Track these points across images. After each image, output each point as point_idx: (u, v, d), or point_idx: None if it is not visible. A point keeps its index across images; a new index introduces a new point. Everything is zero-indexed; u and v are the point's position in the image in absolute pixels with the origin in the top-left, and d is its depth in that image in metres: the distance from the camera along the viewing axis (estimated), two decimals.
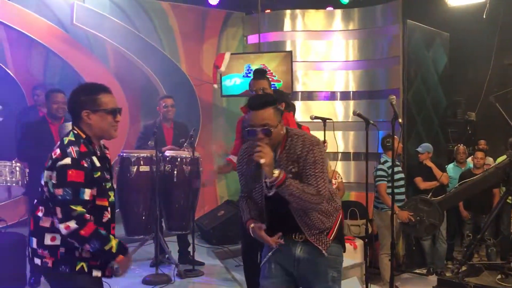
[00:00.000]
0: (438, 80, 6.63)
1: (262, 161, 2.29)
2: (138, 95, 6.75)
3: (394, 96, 3.10)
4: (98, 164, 2.25)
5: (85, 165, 2.18)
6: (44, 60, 6.70)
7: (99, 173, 2.24)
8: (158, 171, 4.50)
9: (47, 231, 2.20)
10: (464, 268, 4.66)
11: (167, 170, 4.61)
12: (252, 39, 7.24)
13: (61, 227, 2.11)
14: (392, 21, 6.48)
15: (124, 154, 4.59)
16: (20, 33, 5.86)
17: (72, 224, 2.10)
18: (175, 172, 4.59)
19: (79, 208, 2.12)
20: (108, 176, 2.34)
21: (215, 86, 6.45)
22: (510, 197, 4.71)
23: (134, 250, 4.74)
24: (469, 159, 6.30)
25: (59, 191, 2.12)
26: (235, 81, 6.51)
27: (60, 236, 2.17)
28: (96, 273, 2.25)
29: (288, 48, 6.90)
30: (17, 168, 3.79)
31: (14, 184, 3.81)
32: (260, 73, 3.58)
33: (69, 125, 4.02)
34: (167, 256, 4.76)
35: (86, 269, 2.22)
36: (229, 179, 7.32)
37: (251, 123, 2.37)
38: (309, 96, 6.96)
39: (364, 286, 4.12)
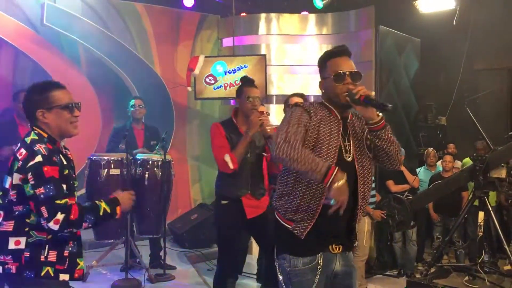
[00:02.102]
0: (409, 85, 6.75)
1: (373, 93, 2.14)
2: (111, 97, 6.66)
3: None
4: (65, 162, 2.21)
5: (57, 160, 2.13)
6: (13, 60, 6.55)
7: (67, 171, 2.19)
8: (129, 174, 4.45)
9: (10, 235, 2.12)
10: (433, 269, 4.75)
11: (138, 173, 4.57)
12: (227, 42, 7.24)
13: (51, 225, 2.05)
14: (365, 27, 6.57)
15: (94, 157, 4.53)
16: None
17: (60, 216, 2.05)
18: (147, 175, 4.55)
19: (63, 201, 2.07)
20: (74, 175, 2.29)
21: (189, 89, 6.42)
22: (477, 200, 4.81)
23: (104, 254, 4.68)
24: (439, 163, 6.42)
25: (40, 190, 2.05)
26: (218, 69, 6.49)
27: (26, 239, 2.11)
28: (64, 277, 2.18)
29: (263, 51, 6.93)
30: None
31: None
32: (253, 81, 3.55)
33: None
34: (137, 260, 4.71)
35: (52, 274, 2.15)
36: (203, 182, 7.29)
37: (339, 68, 2.16)
38: (283, 99, 6.97)
39: None
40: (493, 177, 4.62)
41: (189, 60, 6.66)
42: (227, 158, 3.26)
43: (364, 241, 5.01)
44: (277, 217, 2.23)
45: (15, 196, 2.13)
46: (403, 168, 5.81)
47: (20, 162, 2.11)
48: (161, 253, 4.77)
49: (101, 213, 2.18)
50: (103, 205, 2.21)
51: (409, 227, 5.46)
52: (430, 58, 7.13)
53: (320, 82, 2.27)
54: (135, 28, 6.67)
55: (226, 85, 6.52)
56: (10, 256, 2.11)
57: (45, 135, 2.21)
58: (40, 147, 2.12)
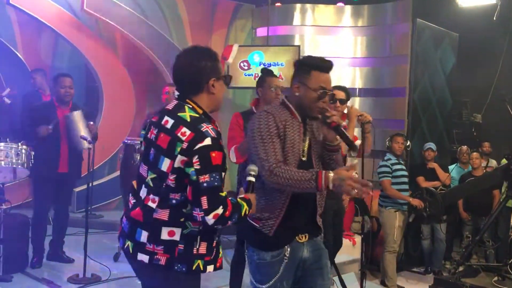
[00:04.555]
0: (445, 80, 6.62)
1: (344, 123, 2.31)
2: (145, 83, 6.78)
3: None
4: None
5: (222, 145, 1.92)
6: (53, 44, 6.75)
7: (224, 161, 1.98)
8: None
9: (164, 225, 1.91)
10: (461, 268, 4.69)
11: None
12: (261, 32, 7.24)
13: (209, 218, 1.83)
14: (402, 19, 6.47)
15: (129, 141, 4.63)
16: (30, 17, 5.89)
17: (220, 210, 1.84)
18: None
19: (224, 193, 1.88)
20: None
21: None
22: (510, 201, 4.72)
23: None
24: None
25: (205, 178, 1.83)
26: (255, 58, 6.56)
27: (181, 230, 1.91)
28: (210, 269, 1.99)
29: (297, 42, 6.91)
30: (23, 151, 3.83)
31: (19, 166, 3.84)
32: (273, 72, 3.66)
33: (76, 115, 4.08)
34: None
35: (202, 267, 1.96)
36: (232, 169, 7.35)
37: (322, 85, 2.24)
38: None
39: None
40: None
41: (222, 49, 6.70)
42: (232, 151, 3.31)
43: (395, 236, 5.00)
44: None
45: (173, 182, 1.90)
46: (435, 165, 5.74)
47: (186, 143, 1.87)
48: None
49: (242, 213, 1.96)
50: (245, 206, 1.98)
51: (439, 221, 5.43)
52: (468, 53, 6.96)
53: (295, 85, 2.29)
54: (171, 15, 6.74)
55: (256, 75, 6.56)
56: (162, 247, 1.91)
57: (200, 111, 1.98)
58: (208, 128, 1.88)
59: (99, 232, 5.48)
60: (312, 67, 2.27)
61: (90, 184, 4.11)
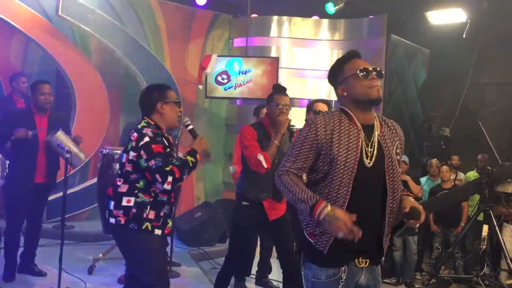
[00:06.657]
0: (417, 95, 6.81)
1: None
2: (120, 91, 6.68)
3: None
4: (167, 143, 2.79)
5: (159, 140, 2.72)
6: (24, 48, 6.57)
7: (168, 149, 2.77)
8: None
9: (124, 195, 2.71)
10: (433, 280, 4.81)
11: None
12: (238, 42, 7.26)
13: (165, 186, 2.67)
14: (377, 35, 6.62)
15: (107, 150, 4.53)
16: (1, 20, 5.71)
17: (170, 179, 2.66)
18: None
19: (169, 167, 2.67)
20: (173, 153, 2.88)
21: (200, 87, 6.43)
22: (481, 214, 4.87)
23: (109, 248, 4.69)
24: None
25: (152, 162, 2.65)
26: (234, 67, 6.53)
27: (134, 199, 2.69)
28: (157, 232, 2.76)
29: (273, 54, 6.96)
30: None
31: None
32: (284, 89, 3.58)
33: (60, 135, 3.97)
34: None
35: (150, 228, 2.72)
36: (206, 180, 7.32)
37: (361, 68, 2.09)
38: (291, 103, 7.00)
39: None
40: (499, 191, 4.69)
41: (199, 58, 6.68)
42: (261, 157, 3.25)
43: None
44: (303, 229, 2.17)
45: (130, 168, 2.72)
46: (407, 178, 5.84)
47: (134, 142, 2.70)
48: (167, 249, 4.78)
49: (190, 164, 2.76)
50: (189, 158, 2.78)
51: (413, 233, 5.52)
52: (438, 69, 7.19)
53: (339, 88, 2.16)
54: (148, 23, 6.67)
55: (237, 85, 6.55)
56: (122, 211, 2.70)
57: (152, 123, 2.78)
58: (147, 131, 2.71)
59: (70, 243, 5.33)
60: (343, 63, 2.16)
61: (65, 193, 3.99)
